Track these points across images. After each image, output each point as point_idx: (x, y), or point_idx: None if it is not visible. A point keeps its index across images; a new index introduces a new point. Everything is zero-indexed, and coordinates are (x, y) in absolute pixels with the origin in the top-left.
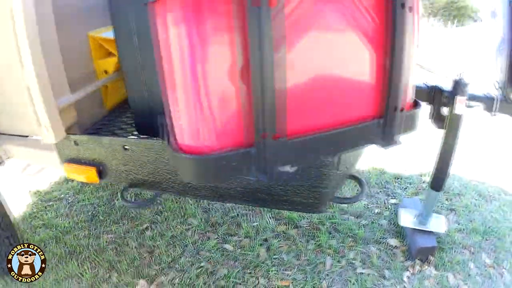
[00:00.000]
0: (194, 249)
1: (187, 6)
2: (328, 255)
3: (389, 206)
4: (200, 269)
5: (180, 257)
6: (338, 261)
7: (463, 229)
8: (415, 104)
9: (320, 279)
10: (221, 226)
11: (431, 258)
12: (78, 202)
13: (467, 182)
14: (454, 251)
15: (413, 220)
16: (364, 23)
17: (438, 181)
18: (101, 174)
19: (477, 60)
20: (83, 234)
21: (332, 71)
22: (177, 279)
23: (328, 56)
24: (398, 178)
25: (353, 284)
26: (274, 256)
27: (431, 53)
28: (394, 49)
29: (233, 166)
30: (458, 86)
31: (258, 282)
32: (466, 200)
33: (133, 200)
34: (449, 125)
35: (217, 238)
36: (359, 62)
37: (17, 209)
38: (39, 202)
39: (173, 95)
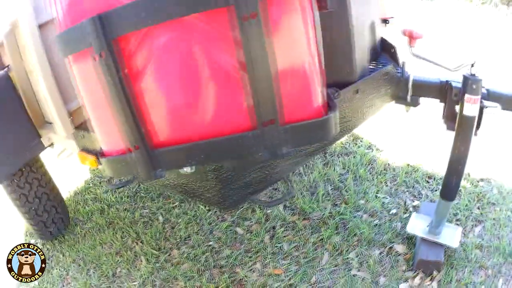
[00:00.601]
0: (209, 228)
1: (73, 59)
2: (327, 250)
3: (410, 208)
4: (208, 247)
5: (195, 234)
6: (335, 259)
7: (485, 246)
8: (323, 112)
9: (311, 273)
10: (238, 209)
11: (436, 273)
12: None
13: (507, 191)
14: (467, 270)
15: (424, 228)
16: (215, 39)
17: (448, 189)
18: (99, 160)
19: (500, 51)
20: (123, 208)
21: (191, 89)
22: (186, 254)
23: (187, 75)
24: (430, 178)
25: (342, 284)
26: (276, 244)
27: (445, 44)
28: (249, 62)
29: (124, 166)
30: (468, 82)
31: (255, 266)
32: (499, 213)
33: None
34: (458, 127)
35: (231, 220)
36: (216, 78)
37: (75, 184)
38: (95, 178)
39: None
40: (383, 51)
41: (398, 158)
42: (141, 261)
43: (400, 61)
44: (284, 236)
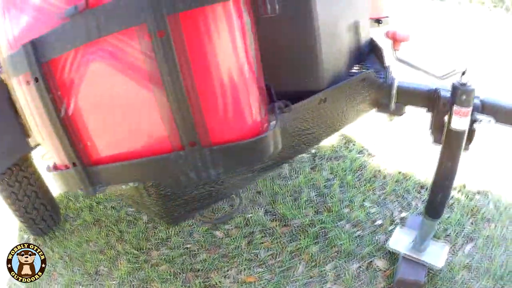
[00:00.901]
0: (189, 230)
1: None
2: (303, 260)
3: (397, 220)
4: (186, 249)
5: (175, 236)
6: (310, 270)
7: (475, 267)
8: (260, 130)
9: (285, 284)
10: (219, 212)
11: None
12: None
13: (505, 206)
14: None
15: (408, 244)
16: (132, 59)
17: (433, 207)
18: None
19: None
20: (110, 206)
21: (114, 110)
22: (164, 255)
23: (110, 96)
24: (422, 188)
25: None
26: (253, 251)
27: (440, 48)
28: (163, 81)
29: (71, 180)
30: (457, 92)
31: (229, 272)
32: (494, 230)
33: None
34: (445, 141)
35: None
36: (136, 99)
37: None
38: None
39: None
40: (372, 53)
41: (390, 165)
42: (122, 260)
43: (386, 65)
44: (262, 243)
